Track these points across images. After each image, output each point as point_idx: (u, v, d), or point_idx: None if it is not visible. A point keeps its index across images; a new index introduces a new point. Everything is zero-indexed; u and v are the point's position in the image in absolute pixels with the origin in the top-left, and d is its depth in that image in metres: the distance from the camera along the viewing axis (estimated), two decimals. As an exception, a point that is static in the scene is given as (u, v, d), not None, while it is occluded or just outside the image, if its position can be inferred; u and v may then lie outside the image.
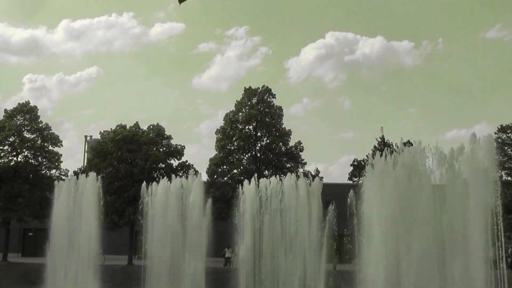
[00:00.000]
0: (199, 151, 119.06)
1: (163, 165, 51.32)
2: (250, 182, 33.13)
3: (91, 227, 33.25)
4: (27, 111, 52.02)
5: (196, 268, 32.32)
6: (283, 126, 53.10)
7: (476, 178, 25.31)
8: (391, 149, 49.97)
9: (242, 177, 50.77)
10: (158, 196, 33.26)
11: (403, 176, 26.52)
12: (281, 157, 52.09)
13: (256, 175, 34.96)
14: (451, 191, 25.88)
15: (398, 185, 26.46)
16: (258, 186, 32.96)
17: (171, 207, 33.07)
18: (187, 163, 52.38)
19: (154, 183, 34.23)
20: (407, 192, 26.31)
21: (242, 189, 32.97)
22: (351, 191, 28.86)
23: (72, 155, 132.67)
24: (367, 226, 26.89)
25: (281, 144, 52.41)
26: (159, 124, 53.00)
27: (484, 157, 25.58)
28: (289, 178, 33.24)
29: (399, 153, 27.49)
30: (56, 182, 35.64)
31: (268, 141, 52.29)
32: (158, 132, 52.14)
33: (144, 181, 34.89)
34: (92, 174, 34.82)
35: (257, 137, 52.37)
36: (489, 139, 26.20)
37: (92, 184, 34.14)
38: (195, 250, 32.47)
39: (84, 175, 35.55)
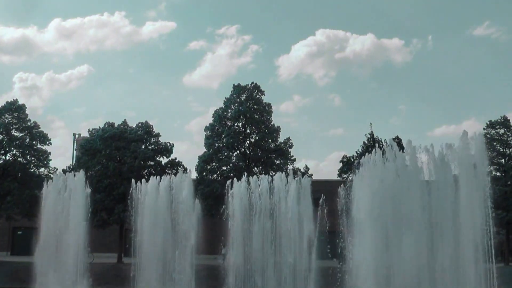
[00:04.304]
0: (190, 148, 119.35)
1: (152, 163, 51.20)
2: (239, 180, 33.06)
3: (79, 226, 33.02)
4: (15, 109, 51.67)
5: (186, 265, 32.20)
6: (272, 123, 53.05)
7: (466, 173, 25.36)
8: (381, 145, 50.15)
9: (231, 174, 50.82)
10: (148, 194, 33.10)
11: (392, 173, 26.53)
12: (270, 153, 52.05)
13: (245, 173, 34.82)
14: (441, 187, 25.92)
15: (388, 182, 26.46)
16: (249, 183, 32.89)
17: (160, 204, 32.92)
18: (176, 161, 52.26)
19: (143, 180, 34.05)
20: (397, 188, 26.32)
21: (231, 187, 32.85)
22: (341, 187, 28.81)
23: (63, 153, 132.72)
24: (357, 222, 26.88)
25: (270, 140, 52.37)
26: (148, 121, 52.87)
27: (475, 154, 25.60)
28: (279, 177, 33.13)
29: (387, 149, 27.43)
30: (44, 182, 35.17)
31: (257, 138, 52.19)
32: (146, 130, 51.95)
33: (133, 179, 34.67)
34: (80, 173, 34.51)
35: (246, 134, 52.29)
36: (479, 137, 26.24)
37: (80, 183, 33.88)
38: (185, 247, 32.38)
39: (71, 173, 35.21)
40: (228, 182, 33.26)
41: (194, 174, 52.01)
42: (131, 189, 33.99)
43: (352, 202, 27.24)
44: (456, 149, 25.99)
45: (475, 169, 25.36)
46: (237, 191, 32.50)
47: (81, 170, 35.77)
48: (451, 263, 24.94)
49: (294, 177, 32.74)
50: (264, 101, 53.22)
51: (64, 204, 33.55)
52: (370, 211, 26.29)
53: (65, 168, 52.12)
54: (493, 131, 52.88)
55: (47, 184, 34.82)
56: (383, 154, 27.28)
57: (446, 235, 25.30)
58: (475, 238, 24.53)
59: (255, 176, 34.21)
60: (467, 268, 24.56)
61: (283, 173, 50.43)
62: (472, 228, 24.64)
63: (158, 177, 34.69)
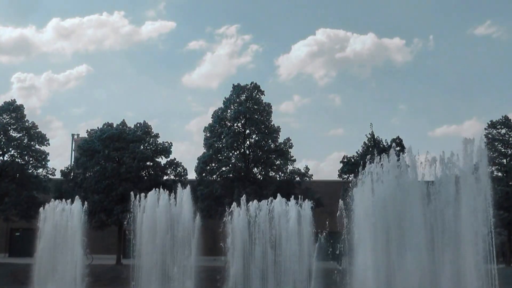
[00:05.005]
0: (189, 148, 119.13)
1: (151, 163, 50.94)
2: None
3: (76, 253, 32.79)
4: (13, 109, 51.34)
5: (185, 267, 32.00)
6: (272, 123, 52.64)
7: (468, 181, 25.14)
8: (381, 145, 49.93)
9: (231, 175, 50.64)
10: (147, 209, 32.65)
11: (393, 182, 26.31)
12: (270, 154, 51.64)
13: (244, 196, 34.32)
14: (443, 190, 25.72)
15: (389, 190, 26.23)
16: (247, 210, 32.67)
17: (159, 221, 32.58)
18: (175, 161, 52.00)
19: (143, 194, 33.39)
20: (398, 195, 26.11)
21: (231, 214, 32.59)
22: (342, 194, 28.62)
23: (62, 154, 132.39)
24: (357, 230, 26.67)
25: (270, 141, 51.95)
26: (146, 122, 52.59)
27: (477, 161, 25.35)
28: (279, 202, 32.77)
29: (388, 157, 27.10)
30: (41, 209, 34.63)
31: (257, 138, 51.79)
32: (144, 130, 51.65)
33: (132, 193, 34.00)
34: (77, 203, 33.92)
35: (245, 134, 51.88)
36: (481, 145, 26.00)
37: (76, 213, 33.45)
38: (184, 249, 32.17)
39: (69, 201, 34.49)
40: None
41: (193, 175, 51.96)
42: (130, 203, 33.55)
43: (353, 212, 27.00)
44: (457, 157, 25.77)
45: (476, 177, 25.09)
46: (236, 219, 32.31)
47: (77, 198, 35.06)
48: (452, 265, 24.76)
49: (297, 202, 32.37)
50: (264, 101, 52.82)
51: (61, 233, 33.30)
52: (371, 221, 26.12)
53: (63, 169, 51.86)
54: (495, 131, 52.79)
55: (44, 209, 34.33)
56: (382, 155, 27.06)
57: (448, 239, 25.11)
58: (477, 244, 24.33)
59: (255, 201, 33.70)
60: (469, 270, 24.32)
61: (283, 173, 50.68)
62: (474, 237, 24.45)
63: (157, 191, 33.93)
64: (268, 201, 32.81)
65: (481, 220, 24.46)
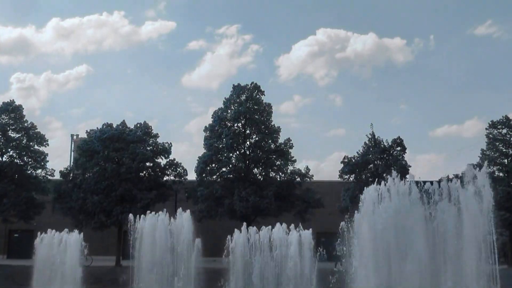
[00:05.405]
0: (189, 149, 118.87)
1: (151, 164, 50.76)
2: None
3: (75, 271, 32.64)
4: (12, 110, 51.08)
5: (185, 269, 31.83)
6: (272, 123, 52.45)
7: (471, 208, 25.14)
8: (382, 146, 49.86)
9: (231, 175, 50.49)
10: (146, 229, 32.39)
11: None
12: (270, 154, 51.47)
13: (245, 223, 34.07)
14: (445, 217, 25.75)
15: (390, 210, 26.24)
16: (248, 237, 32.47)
17: (159, 240, 32.38)
18: (175, 162, 51.81)
19: (142, 217, 33.08)
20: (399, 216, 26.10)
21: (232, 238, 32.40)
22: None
23: (61, 155, 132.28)
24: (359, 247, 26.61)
25: (270, 141, 51.77)
26: (146, 122, 52.32)
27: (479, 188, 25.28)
28: (279, 228, 32.55)
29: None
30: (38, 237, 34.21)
31: (257, 138, 51.59)
32: (145, 131, 51.42)
33: (131, 215, 33.69)
34: (75, 234, 33.57)
35: (246, 134, 51.69)
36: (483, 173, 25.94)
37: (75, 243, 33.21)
38: (184, 251, 32.02)
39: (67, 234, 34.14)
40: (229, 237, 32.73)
41: (193, 175, 51.80)
42: (129, 223, 33.26)
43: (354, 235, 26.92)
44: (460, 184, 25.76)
45: (480, 203, 25.06)
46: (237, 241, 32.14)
47: (77, 231, 34.83)
48: (453, 265, 24.69)
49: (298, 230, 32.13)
50: (264, 101, 52.64)
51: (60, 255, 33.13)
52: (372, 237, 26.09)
53: (62, 169, 51.58)
54: (496, 131, 52.87)
55: (40, 238, 34.03)
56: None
57: (449, 246, 25.09)
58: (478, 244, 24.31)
59: (255, 228, 33.46)
60: (470, 272, 24.23)
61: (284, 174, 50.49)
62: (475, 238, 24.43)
63: (156, 215, 33.60)
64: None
65: (482, 224, 24.51)
